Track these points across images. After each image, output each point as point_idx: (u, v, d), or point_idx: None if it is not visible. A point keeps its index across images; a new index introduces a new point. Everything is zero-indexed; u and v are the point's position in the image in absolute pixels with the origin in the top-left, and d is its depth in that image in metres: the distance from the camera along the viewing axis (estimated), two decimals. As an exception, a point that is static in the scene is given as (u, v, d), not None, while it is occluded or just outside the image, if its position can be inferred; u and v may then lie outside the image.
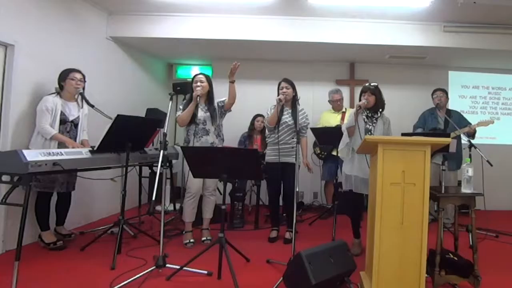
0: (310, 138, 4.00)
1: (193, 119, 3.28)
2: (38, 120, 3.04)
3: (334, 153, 4.38)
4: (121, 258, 2.87)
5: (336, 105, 4.65)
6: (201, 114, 3.31)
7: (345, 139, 3.04)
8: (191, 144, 3.26)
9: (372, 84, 3.10)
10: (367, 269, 2.42)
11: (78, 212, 3.68)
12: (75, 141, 3.23)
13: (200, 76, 3.33)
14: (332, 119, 4.59)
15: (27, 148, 2.97)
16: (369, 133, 3.06)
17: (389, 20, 4.27)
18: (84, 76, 3.26)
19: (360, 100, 3.07)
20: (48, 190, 3.11)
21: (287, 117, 3.45)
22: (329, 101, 4.71)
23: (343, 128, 3.10)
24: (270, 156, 3.50)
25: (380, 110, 3.11)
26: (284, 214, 3.84)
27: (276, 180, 3.51)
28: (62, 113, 3.13)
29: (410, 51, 4.64)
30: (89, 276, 2.57)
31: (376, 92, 3.05)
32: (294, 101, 3.45)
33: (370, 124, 3.09)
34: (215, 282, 2.52)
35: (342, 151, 3.10)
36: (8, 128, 3.05)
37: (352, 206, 3.27)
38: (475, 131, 3.84)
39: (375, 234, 2.14)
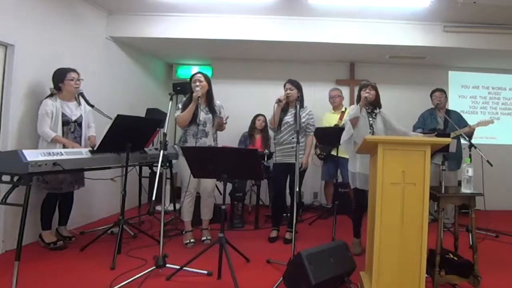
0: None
1: (194, 120, 3.24)
2: (38, 124, 3.05)
3: (333, 153, 4.39)
4: (121, 258, 2.87)
5: (333, 101, 4.66)
6: (203, 115, 3.26)
7: (349, 130, 3.05)
8: (188, 144, 3.24)
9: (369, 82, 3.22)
10: (367, 269, 2.42)
11: (78, 212, 3.67)
12: (81, 139, 3.24)
13: (199, 75, 3.27)
14: (331, 119, 4.61)
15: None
16: (371, 127, 3.13)
17: (389, 20, 4.27)
18: (79, 75, 3.24)
19: (359, 95, 3.16)
20: (56, 191, 3.11)
21: (289, 118, 3.45)
22: (329, 100, 4.73)
23: (347, 119, 3.13)
24: (277, 157, 3.51)
25: (378, 107, 3.21)
26: (285, 214, 3.84)
27: (280, 180, 3.51)
28: (63, 115, 3.12)
29: (410, 51, 4.64)
30: (89, 276, 2.57)
31: (375, 88, 3.17)
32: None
33: (371, 119, 3.16)
34: (215, 282, 2.51)
35: (344, 143, 3.10)
36: (8, 128, 3.05)
37: (356, 204, 3.27)
38: (473, 131, 3.85)
39: (375, 234, 2.14)
